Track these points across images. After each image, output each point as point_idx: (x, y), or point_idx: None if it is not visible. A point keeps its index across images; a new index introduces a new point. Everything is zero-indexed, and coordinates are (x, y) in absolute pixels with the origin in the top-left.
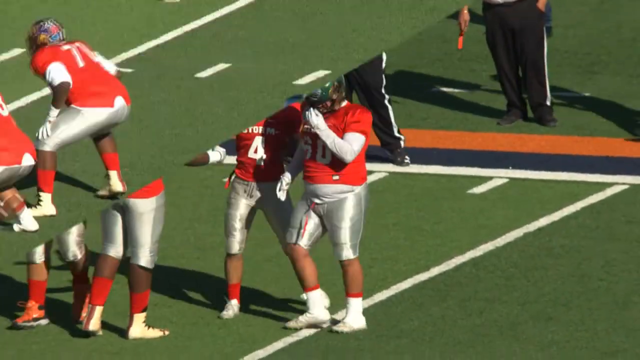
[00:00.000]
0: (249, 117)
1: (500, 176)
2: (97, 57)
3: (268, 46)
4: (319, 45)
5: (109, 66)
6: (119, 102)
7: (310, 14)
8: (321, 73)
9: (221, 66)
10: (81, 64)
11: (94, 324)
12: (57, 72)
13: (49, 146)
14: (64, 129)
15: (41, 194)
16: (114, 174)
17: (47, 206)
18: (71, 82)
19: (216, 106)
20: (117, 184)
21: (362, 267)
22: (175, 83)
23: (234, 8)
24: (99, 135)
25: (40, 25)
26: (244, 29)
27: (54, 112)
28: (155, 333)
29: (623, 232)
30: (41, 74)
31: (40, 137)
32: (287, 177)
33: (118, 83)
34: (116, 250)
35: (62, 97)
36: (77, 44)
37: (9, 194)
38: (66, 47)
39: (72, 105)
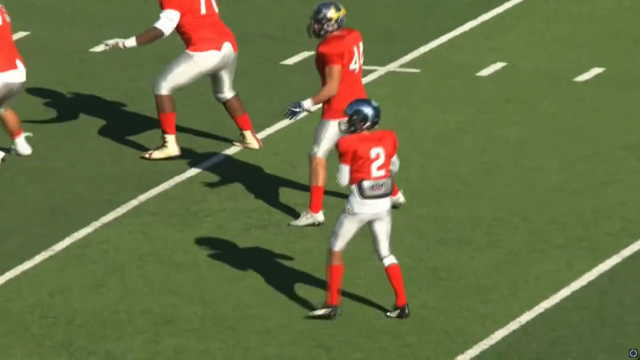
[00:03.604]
0: (46, 83)
1: None
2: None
3: (65, 15)
4: (114, 15)
5: None
6: (227, 46)
7: None
8: (117, 41)
9: (21, 34)
10: (203, 11)
11: None
12: (167, 20)
13: (165, 90)
14: (177, 73)
15: (165, 136)
16: (248, 133)
17: (171, 147)
18: (167, 34)
19: None
20: (253, 142)
21: None
22: None
23: None
24: (225, 98)
25: None
26: None
27: (130, 42)
28: None
29: None
30: (161, 7)
31: (109, 43)
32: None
33: (227, 30)
34: None
35: (147, 40)
36: None
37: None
38: None
39: (186, 51)
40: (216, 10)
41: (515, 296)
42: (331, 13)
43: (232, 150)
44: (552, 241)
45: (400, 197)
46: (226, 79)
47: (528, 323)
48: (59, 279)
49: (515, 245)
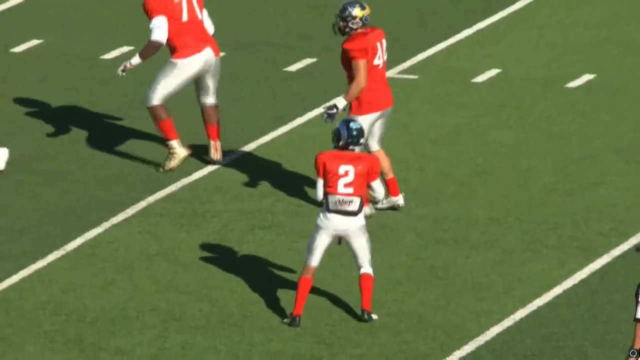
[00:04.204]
0: (58, 89)
1: None
2: (203, 15)
3: (76, 23)
4: (122, 22)
5: (209, 25)
6: (208, 51)
7: None
8: (125, 49)
9: (34, 42)
10: (185, 18)
11: None
12: (157, 29)
13: (156, 100)
14: (165, 83)
15: (169, 142)
16: (212, 143)
17: (179, 150)
18: (164, 41)
19: (29, 79)
20: (214, 153)
21: None
22: None
23: None
24: (206, 104)
25: None
26: (53, 8)
27: (135, 60)
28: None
29: None
30: (148, 18)
31: (120, 69)
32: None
33: (209, 37)
34: None
35: (149, 53)
36: None
37: None
38: None
39: (170, 60)
40: (200, 17)
41: (509, 294)
42: (356, 11)
43: (237, 153)
44: (545, 241)
45: (400, 199)
46: (210, 84)
47: (522, 320)
48: (71, 278)
49: (510, 244)
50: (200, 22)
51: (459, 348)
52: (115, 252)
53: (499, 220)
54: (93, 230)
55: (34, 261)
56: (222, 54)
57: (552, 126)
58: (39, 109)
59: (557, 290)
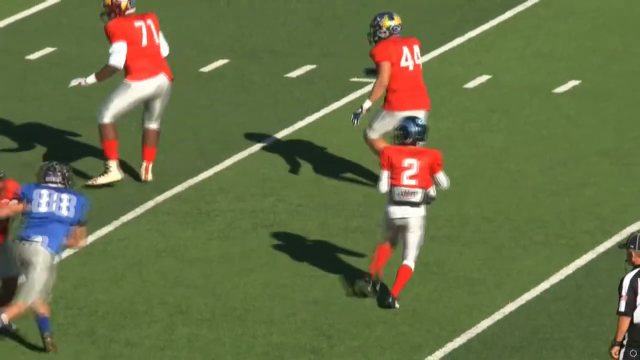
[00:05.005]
0: (70, 94)
1: None
2: (159, 38)
3: (88, 32)
4: None
5: (164, 47)
6: (162, 77)
7: None
8: (79, 81)
9: (48, 50)
10: (144, 43)
11: None
12: (116, 54)
13: (107, 119)
14: (116, 102)
15: (108, 162)
16: (145, 164)
17: (114, 173)
18: (121, 66)
19: (43, 85)
20: (143, 174)
21: None
22: (6, 64)
23: (59, 0)
24: (149, 127)
25: None
26: (67, 17)
27: (91, 79)
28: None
29: None
30: (109, 42)
31: (74, 83)
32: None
33: (163, 63)
34: None
35: (105, 75)
36: (148, 20)
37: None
38: (138, 23)
39: (124, 80)
40: (157, 41)
41: (499, 288)
42: (384, 21)
43: (240, 155)
44: (533, 238)
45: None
46: (157, 108)
47: (511, 313)
48: (83, 273)
49: (500, 241)
50: (158, 47)
51: (451, 340)
52: (125, 249)
53: (490, 218)
54: (104, 228)
55: None
56: (226, 61)
57: (539, 130)
58: (52, 114)
59: (544, 285)
